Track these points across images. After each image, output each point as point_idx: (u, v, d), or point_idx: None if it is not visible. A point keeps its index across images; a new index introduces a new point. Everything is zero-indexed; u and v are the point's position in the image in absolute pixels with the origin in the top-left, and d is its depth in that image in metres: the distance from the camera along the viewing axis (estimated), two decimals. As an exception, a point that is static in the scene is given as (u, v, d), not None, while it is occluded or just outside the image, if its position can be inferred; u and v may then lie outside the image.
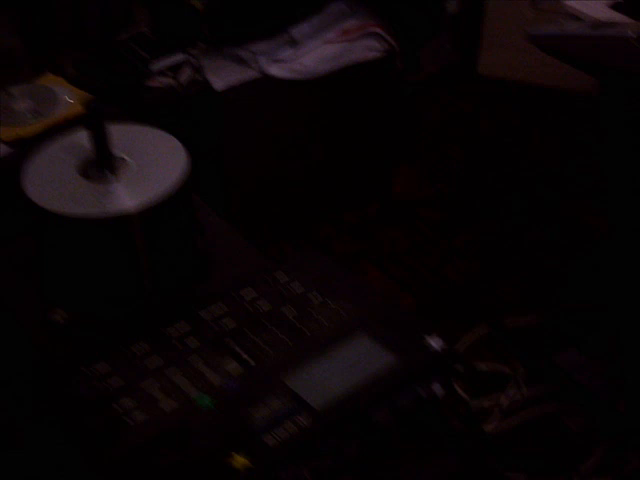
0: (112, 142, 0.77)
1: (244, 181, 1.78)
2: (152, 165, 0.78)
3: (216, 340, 0.74)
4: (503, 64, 2.11)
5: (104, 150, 0.76)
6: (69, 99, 1.30)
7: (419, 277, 1.80)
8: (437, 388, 0.75)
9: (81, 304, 0.78)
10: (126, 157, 0.78)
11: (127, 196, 0.75)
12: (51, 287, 0.79)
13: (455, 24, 2.17)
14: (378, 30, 1.80)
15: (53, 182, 0.77)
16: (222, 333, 0.75)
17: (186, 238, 0.81)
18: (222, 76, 1.67)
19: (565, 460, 1.37)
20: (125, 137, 0.80)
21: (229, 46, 1.72)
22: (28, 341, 0.78)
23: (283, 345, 0.74)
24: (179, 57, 1.57)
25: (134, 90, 1.52)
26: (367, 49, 1.80)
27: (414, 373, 0.73)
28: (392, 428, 0.73)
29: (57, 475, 0.72)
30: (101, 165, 0.76)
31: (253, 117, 1.71)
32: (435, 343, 0.75)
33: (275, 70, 1.71)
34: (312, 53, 1.75)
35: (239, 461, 0.65)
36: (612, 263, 1.42)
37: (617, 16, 1.31)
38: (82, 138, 0.78)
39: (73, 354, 0.75)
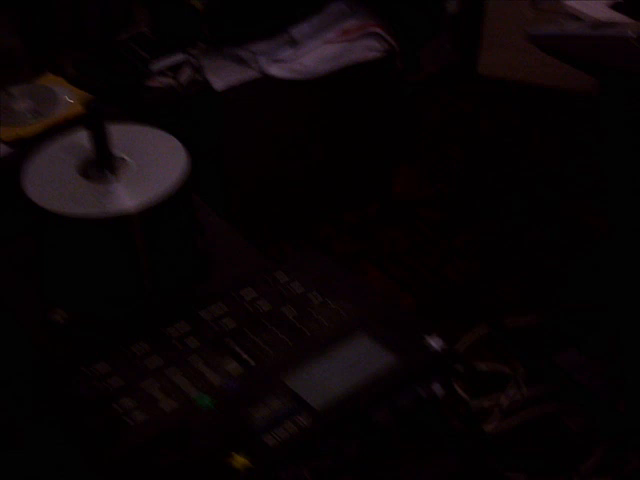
0: (112, 142, 0.77)
1: (244, 181, 1.78)
2: (152, 165, 0.78)
3: (216, 340, 0.74)
4: (503, 64, 2.11)
5: (104, 150, 0.76)
6: (69, 99, 1.30)
7: (419, 277, 1.80)
8: (437, 388, 0.75)
9: (81, 304, 0.78)
10: (126, 157, 0.78)
11: (127, 196, 0.75)
12: (51, 287, 0.79)
13: (455, 24, 2.17)
14: (378, 30, 1.80)
15: (53, 182, 0.77)
16: (222, 333, 0.75)
17: (186, 238, 0.81)
18: (222, 76, 1.67)
19: (565, 460, 1.37)
20: (125, 137, 0.80)
21: (229, 46, 1.72)
22: (28, 341, 0.78)
23: (283, 345, 0.74)
24: (179, 57, 1.57)
25: (134, 90, 1.52)
26: (367, 49, 1.80)
27: (414, 373, 0.73)
28: (392, 428, 0.73)
29: (57, 475, 0.72)
30: (101, 165, 0.76)
31: (253, 117, 1.71)
32: (435, 343, 0.75)
33: (275, 70, 1.71)
34: (312, 53, 1.75)
35: (239, 461, 0.65)
36: (612, 263, 1.42)
37: (617, 16, 1.31)
38: (82, 138, 0.78)
39: (73, 354, 0.75)
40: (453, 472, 0.77)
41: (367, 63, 1.80)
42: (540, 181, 1.99)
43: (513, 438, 1.42)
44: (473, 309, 1.69)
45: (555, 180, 1.99)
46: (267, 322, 0.75)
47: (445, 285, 1.77)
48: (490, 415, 1.44)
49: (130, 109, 1.38)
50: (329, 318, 0.76)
